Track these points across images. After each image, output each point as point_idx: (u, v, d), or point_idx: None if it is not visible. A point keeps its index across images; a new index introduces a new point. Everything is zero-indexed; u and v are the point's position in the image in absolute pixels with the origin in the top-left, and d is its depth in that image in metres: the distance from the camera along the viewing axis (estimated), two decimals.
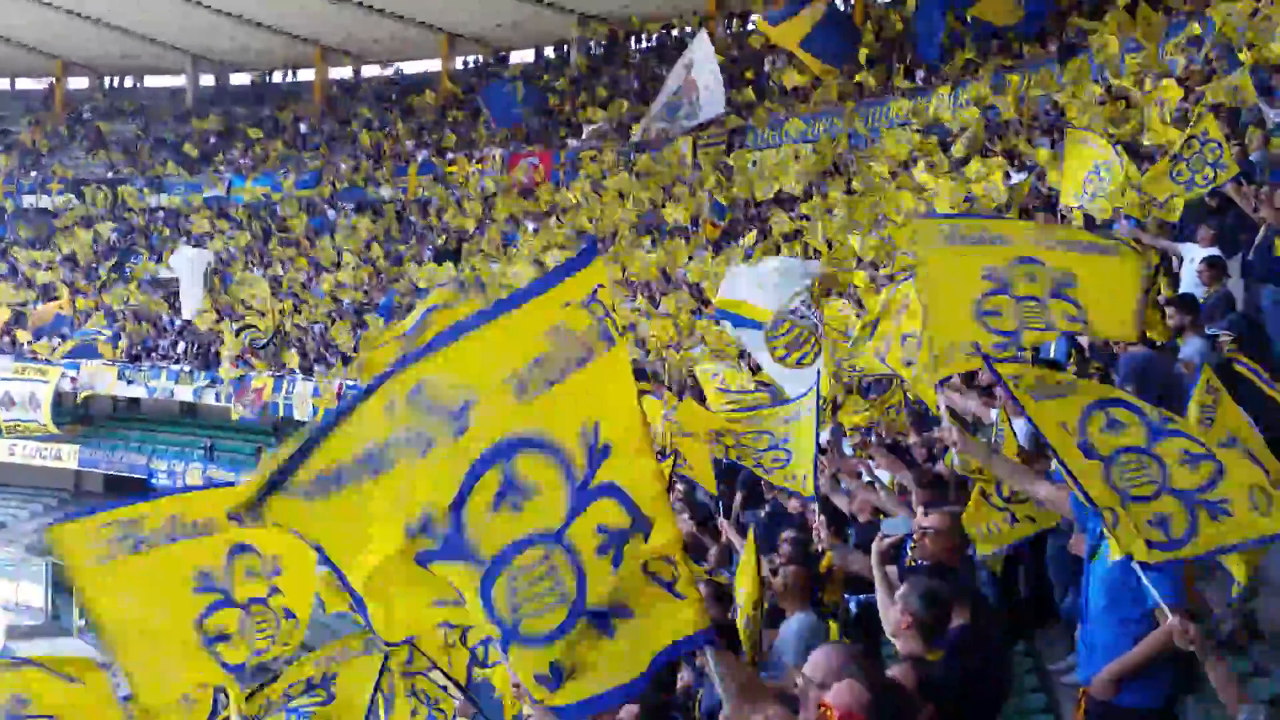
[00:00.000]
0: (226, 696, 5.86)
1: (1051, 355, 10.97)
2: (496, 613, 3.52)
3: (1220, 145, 11.00)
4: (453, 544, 3.48)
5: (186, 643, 5.63)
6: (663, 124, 30.46)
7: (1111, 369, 9.00)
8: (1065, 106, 20.86)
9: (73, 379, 36.58)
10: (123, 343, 37.32)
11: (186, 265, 34.22)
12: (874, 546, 6.28)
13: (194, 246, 38.27)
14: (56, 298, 39.53)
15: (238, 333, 33.31)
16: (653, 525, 3.58)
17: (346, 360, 31.91)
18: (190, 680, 5.70)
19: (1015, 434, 7.36)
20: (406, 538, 3.47)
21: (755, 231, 26.35)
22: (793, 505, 9.50)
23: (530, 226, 34.95)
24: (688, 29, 41.58)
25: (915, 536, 6.25)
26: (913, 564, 6.37)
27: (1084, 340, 9.88)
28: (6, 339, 38.95)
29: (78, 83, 51.84)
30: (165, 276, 37.03)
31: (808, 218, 24.95)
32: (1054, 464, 5.69)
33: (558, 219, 34.34)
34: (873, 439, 10.73)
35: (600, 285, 3.52)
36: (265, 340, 32.84)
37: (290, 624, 5.85)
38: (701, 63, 29.05)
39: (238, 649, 5.74)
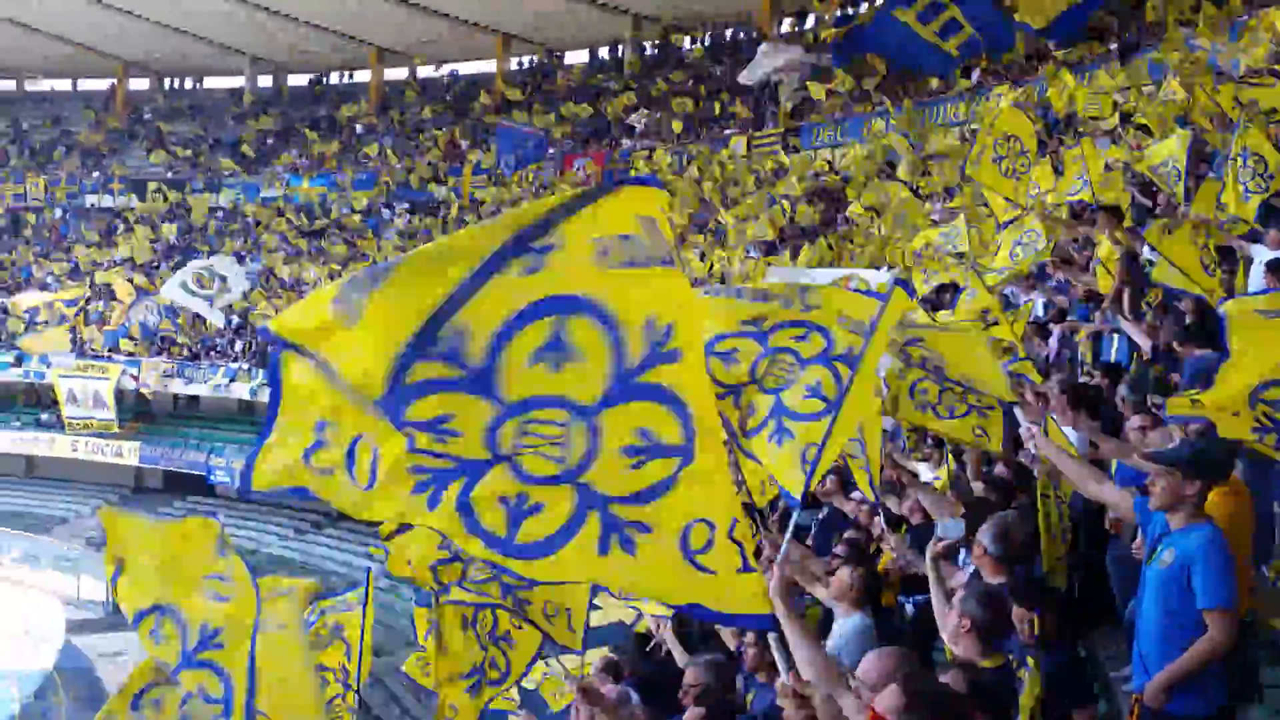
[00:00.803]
0: None
1: (1113, 358, 10.83)
2: (497, 446, 3.42)
3: (1262, 157, 10.79)
4: (480, 379, 3.38)
5: None
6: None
7: (1175, 371, 8.87)
8: (1125, 107, 20.55)
9: (133, 376, 37.07)
10: (183, 339, 37.78)
11: (179, 294, 34.25)
12: (928, 550, 6.23)
13: (176, 269, 38.30)
14: (115, 296, 39.99)
15: None
16: (695, 459, 3.46)
17: None
18: None
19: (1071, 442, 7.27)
20: (428, 358, 3.36)
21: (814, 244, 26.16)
22: (849, 508, 9.44)
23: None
24: (741, 29, 41.55)
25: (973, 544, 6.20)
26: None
27: (1144, 343, 9.74)
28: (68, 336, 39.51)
29: (138, 83, 52.56)
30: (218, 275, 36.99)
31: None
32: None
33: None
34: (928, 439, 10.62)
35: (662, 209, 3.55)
36: None
37: None
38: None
39: None
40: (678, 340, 3.43)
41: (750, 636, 6.41)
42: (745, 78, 33.58)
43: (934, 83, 30.23)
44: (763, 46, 32.76)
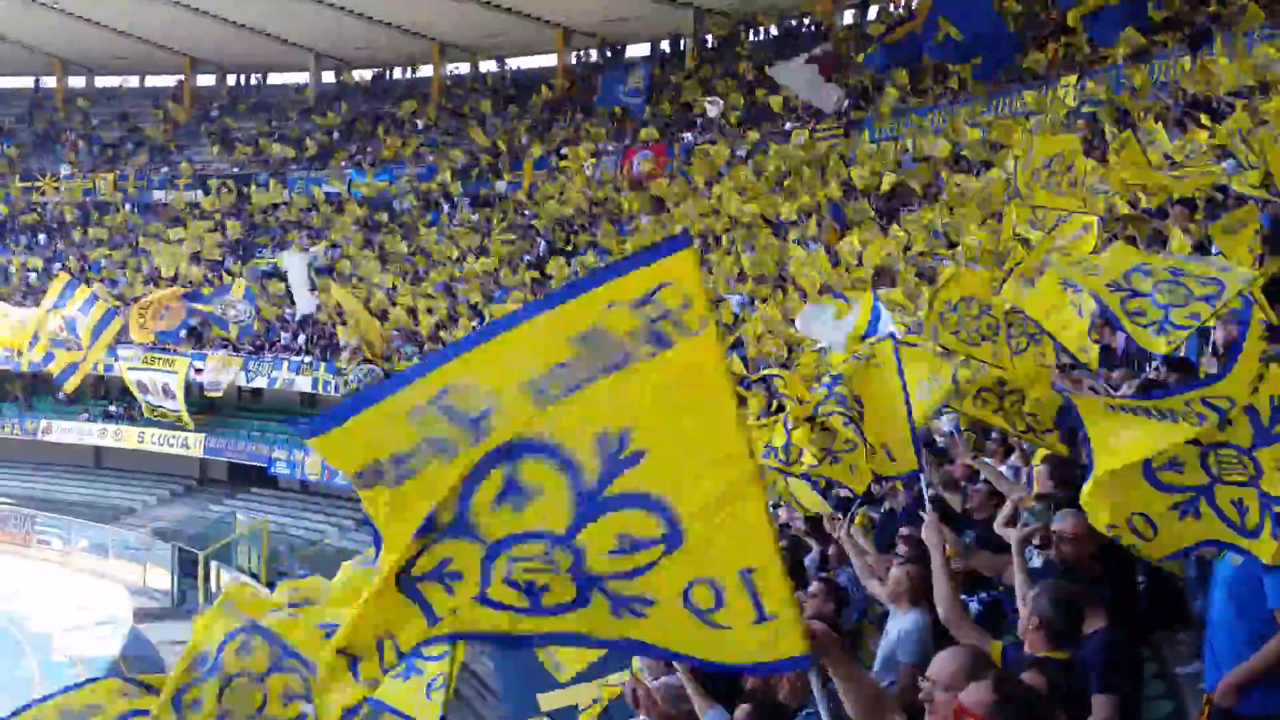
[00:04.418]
0: None
1: (1181, 354, 10.60)
2: (490, 579, 3.57)
3: None
4: (458, 525, 3.51)
5: None
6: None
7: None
8: (1197, 95, 20.18)
9: (198, 369, 37.46)
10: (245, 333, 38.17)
11: (296, 266, 34.89)
12: (1014, 534, 6.15)
13: (307, 247, 38.92)
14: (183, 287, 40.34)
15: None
16: (685, 540, 3.43)
17: None
18: None
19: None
20: (412, 538, 3.52)
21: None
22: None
23: (645, 220, 34.97)
24: (805, 20, 41.31)
25: (1053, 540, 6.10)
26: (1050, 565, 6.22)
27: (1218, 338, 9.53)
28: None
29: (205, 80, 53.19)
30: (284, 270, 37.44)
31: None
32: None
33: (672, 212, 34.29)
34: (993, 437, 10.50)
35: (664, 284, 3.32)
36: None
37: None
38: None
39: None
40: (637, 441, 3.40)
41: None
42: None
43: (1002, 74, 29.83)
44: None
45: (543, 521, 3.47)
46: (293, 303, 36.38)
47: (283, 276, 36.53)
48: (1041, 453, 8.57)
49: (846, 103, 33.39)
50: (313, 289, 35.06)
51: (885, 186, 28.17)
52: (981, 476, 8.64)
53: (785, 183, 31.97)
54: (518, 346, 3.40)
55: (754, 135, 35.90)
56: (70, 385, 34.78)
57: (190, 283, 40.87)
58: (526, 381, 3.39)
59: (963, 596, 7.58)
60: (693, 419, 3.39)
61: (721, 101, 37.81)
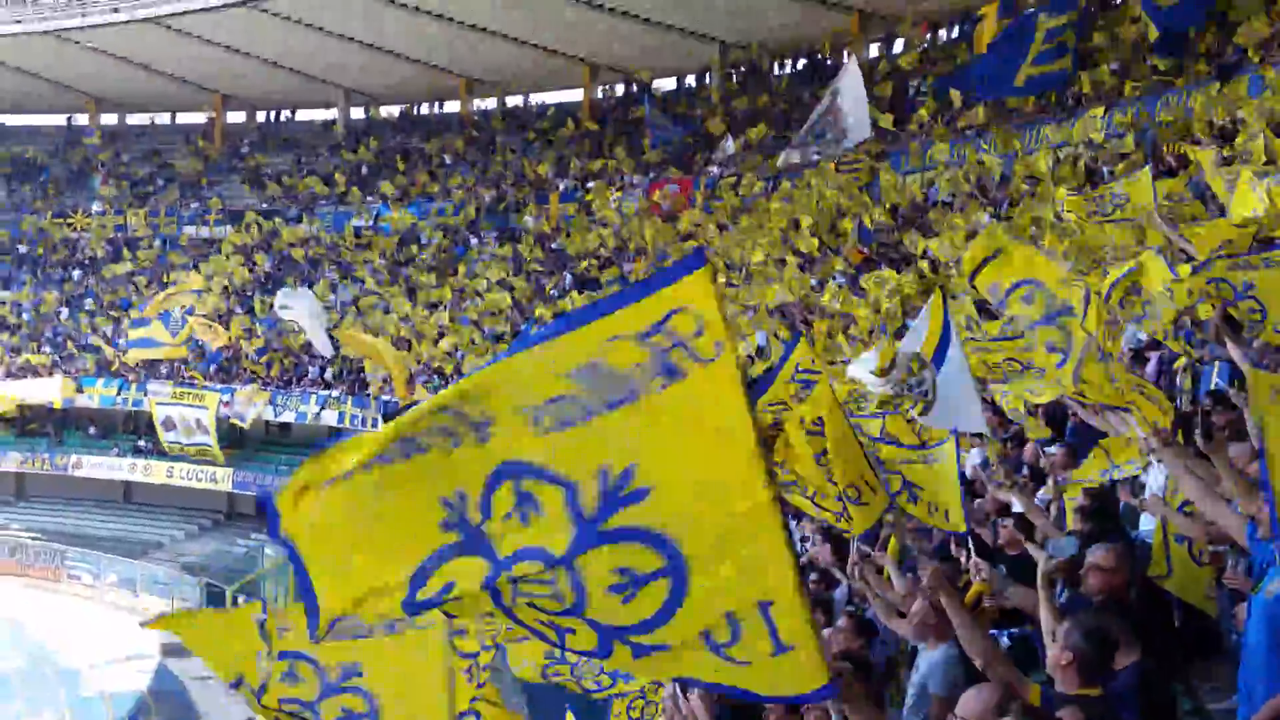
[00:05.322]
0: None
1: (1213, 384, 10.51)
2: (502, 602, 3.47)
3: None
4: (473, 539, 3.43)
5: None
6: (808, 149, 30.31)
7: None
8: (1223, 128, 20.09)
9: (225, 403, 37.68)
10: (274, 369, 38.36)
11: (300, 307, 34.69)
12: (1040, 567, 6.08)
13: (302, 285, 38.90)
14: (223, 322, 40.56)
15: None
16: (691, 577, 3.34)
17: None
18: None
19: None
20: (441, 528, 3.44)
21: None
22: (935, 535, 9.27)
23: (671, 253, 34.95)
24: (830, 53, 41.35)
25: (1083, 571, 6.02)
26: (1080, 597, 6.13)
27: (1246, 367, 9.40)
28: (165, 364, 40.27)
29: (235, 116, 53.63)
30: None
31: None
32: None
33: (699, 245, 34.25)
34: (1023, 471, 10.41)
35: (677, 310, 3.18)
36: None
37: None
38: (848, 90, 28.68)
39: None
40: (641, 479, 3.31)
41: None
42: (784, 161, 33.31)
43: (1029, 104, 29.69)
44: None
45: (545, 540, 3.38)
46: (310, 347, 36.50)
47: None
48: (1076, 490, 8.50)
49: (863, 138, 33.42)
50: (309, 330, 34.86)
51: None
52: (1012, 510, 8.57)
53: (813, 215, 31.88)
54: (516, 374, 3.36)
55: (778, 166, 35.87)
56: (135, 356, 36.28)
57: (220, 315, 41.21)
58: (525, 408, 3.34)
59: (993, 631, 7.50)
60: (705, 451, 3.30)
61: (732, 142, 37.78)
